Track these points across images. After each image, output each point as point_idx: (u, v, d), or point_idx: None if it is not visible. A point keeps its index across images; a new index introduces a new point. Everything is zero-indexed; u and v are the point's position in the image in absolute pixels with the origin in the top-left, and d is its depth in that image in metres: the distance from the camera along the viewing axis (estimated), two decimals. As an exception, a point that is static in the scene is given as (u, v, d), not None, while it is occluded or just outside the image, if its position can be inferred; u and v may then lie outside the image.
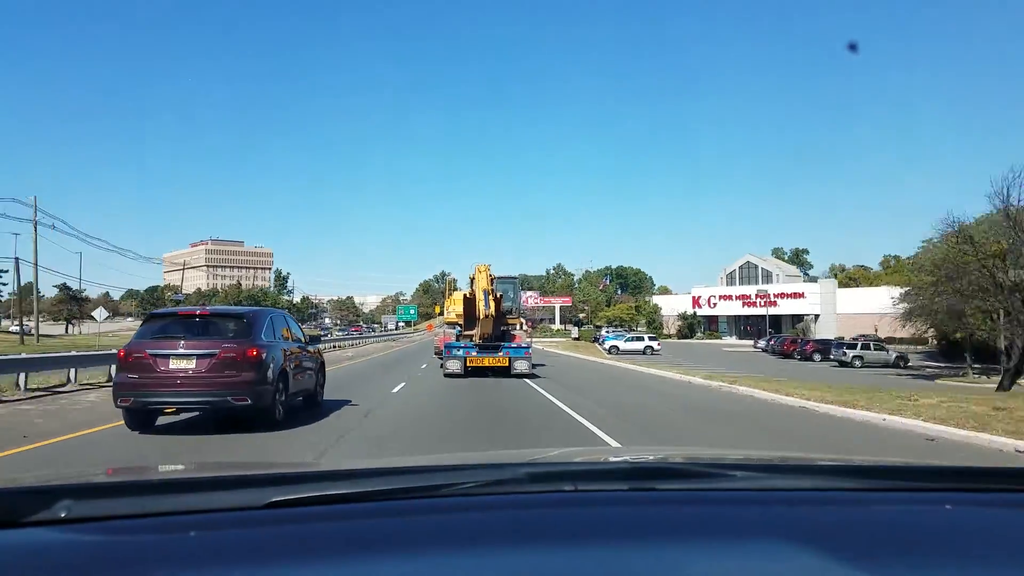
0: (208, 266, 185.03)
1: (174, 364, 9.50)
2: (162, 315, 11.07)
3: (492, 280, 21.08)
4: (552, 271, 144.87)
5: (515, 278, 26.46)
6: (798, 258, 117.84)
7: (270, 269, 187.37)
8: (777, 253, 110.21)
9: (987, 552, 1.14)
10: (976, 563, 1.10)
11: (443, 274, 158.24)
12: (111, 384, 11.77)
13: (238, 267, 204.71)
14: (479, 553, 1.05)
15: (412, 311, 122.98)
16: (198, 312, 10.60)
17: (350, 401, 13.80)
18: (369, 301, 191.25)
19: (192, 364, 9.50)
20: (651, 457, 1.95)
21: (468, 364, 20.37)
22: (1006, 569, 1.10)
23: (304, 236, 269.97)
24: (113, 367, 14.65)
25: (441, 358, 22.05)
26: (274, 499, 1.12)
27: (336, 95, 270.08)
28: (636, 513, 1.23)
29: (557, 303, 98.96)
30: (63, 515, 1.08)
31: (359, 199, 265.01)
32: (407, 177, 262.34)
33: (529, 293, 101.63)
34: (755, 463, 1.77)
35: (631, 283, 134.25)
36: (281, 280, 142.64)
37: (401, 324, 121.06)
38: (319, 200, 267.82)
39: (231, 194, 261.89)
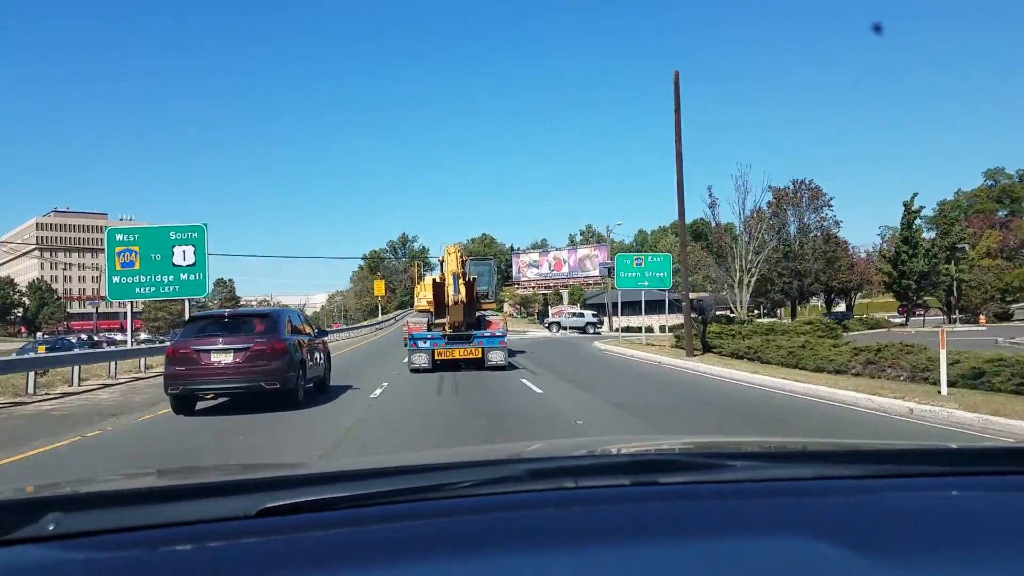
0: (43, 248, 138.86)
1: (215, 357, 11.48)
2: (202, 317, 13.21)
3: (464, 262, 19.71)
4: (580, 235, 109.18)
5: (490, 259, 24.55)
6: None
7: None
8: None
9: (992, 539, 1.16)
10: (981, 551, 1.12)
11: (404, 240, 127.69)
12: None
13: (96, 248, 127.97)
14: (479, 557, 1.05)
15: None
16: (227, 314, 12.80)
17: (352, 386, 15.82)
18: (315, 301, 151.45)
19: (230, 357, 11.49)
20: (652, 449, 1.96)
21: (436, 357, 19.32)
22: (1012, 556, 1.11)
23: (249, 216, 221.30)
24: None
25: (408, 351, 20.85)
26: (266, 505, 1.13)
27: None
28: (639, 510, 1.23)
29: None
30: (51, 529, 1.06)
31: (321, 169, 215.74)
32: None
33: (586, 250, 73.92)
34: (756, 452, 1.81)
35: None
36: None
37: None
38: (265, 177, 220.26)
39: (91, 159, 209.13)
